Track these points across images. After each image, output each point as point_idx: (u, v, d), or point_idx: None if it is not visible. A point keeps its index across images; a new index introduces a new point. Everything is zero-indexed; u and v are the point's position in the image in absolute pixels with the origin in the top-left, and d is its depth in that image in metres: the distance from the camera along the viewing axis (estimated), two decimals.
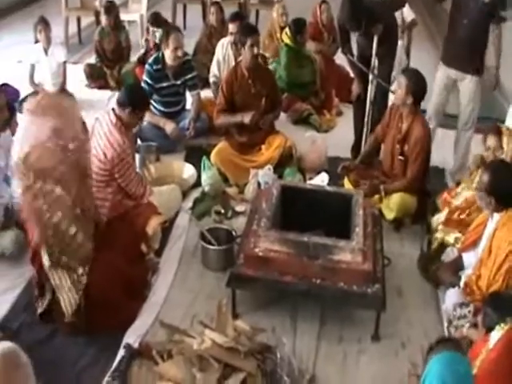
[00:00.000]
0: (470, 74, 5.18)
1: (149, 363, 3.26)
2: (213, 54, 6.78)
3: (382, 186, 4.70)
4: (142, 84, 5.81)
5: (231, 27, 6.57)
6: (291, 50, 6.81)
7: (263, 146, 5.54)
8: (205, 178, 5.21)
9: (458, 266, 4.02)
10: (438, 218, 4.47)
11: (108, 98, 7.09)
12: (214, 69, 6.66)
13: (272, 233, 3.86)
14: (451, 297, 3.77)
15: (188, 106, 6.21)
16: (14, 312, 3.88)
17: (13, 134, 4.79)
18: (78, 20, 9.38)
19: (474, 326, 3.30)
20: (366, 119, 5.38)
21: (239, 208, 5.04)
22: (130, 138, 4.41)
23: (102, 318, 3.63)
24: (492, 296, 3.22)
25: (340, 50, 5.79)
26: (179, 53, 5.74)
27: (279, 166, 5.41)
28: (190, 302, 4.02)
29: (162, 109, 5.98)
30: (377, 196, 4.70)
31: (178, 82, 5.94)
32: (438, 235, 4.36)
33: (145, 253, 4.12)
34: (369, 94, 5.32)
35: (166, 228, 4.60)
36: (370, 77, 5.25)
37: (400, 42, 7.49)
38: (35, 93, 6.71)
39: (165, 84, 5.88)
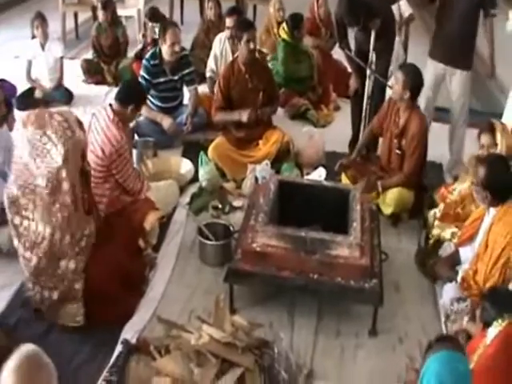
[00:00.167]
0: (459, 69, 5.19)
1: (146, 359, 3.26)
2: (210, 48, 6.78)
3: (380, 182, 4.71)
4: (140, 79, 5.79)
5: (228, 21, 6.55)
6: (288, 45, 6.80)
7: (260, 141, 5.54)
8: (202, 173, 5.21)
9: (454, 260, 4.02)
10: (434, 213, 4.47)
11: (105, 94, 7.08)
12: (210, 63, 6.66)
13: (269, 228, 3.86)
14: (448, 291, 3.77)
15: (185, 101, 6.20)
16: (11, 308, 3.87)
17: (10, 130, 4.80)
18: (75, 15, 9.34)
19: (472, 319, 3.30)
20: (363, 114, 5.39)
21: (236, 203, 5.04)
22: (127, 133, 4.41)
23: (99, 313, 3.64)
24: (490, 291, 3.22)
25: (338, 45, 5.78)
26: (176, 48, 5.72)
27: (276, 161, 5.41)
28: (188, 297, 4.03)
29: (160, 104, 5.97)
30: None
31: (176, 78, 5.93)
32: (435, 232, 4.36)
33: (142, 248, 4.12)
34: (366, 89, 5.32)
35: (164, 223, 4.60)
36: (368, 72, 5.25)
37: (397, 37, 7.50)
38: (32, 88, 6.73)
39: (162, 79, 5.87)
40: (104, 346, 3.55)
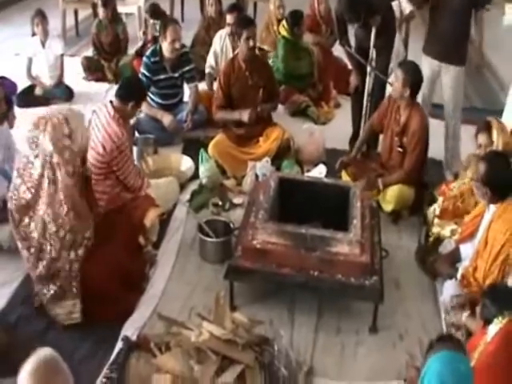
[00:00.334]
0: (453, 65, 5.18)
1: (147, 356, 3.25)
2: (210, 45, 6.78)
3: (380, 180, 4.71)
4: (140, 76, 5.79)
5: (229, 18, 6.55)
6: (288, 42, 6.79)
7: (261, 139, 5.54)
8: (202, 170, 5.21)
9: (455, 257, 4.01)
10: (434, 210, 4.46)
11: (106, 91, 7.07)
12: (210, 60, 6.66)
13: (270, 225, 3.86)
14: (449, 288, 3.77)
15: (186, 98, 6.19)
16: (12, 305, 3.88)
17: (10, 128, 4.80)
18: (76, 12, 9.32)
19: (472, 315, 3.29)
20: (364, 111, 5.38)
21: (237, 200, 5.04)
22: (127, 129, 4.41)
23: (99, 310, 3.64)
24: (490, 288, 3.21)
25: (338, 42, 5.77)
26: (177, 45, 5.72)
27: (277, 158, 5.41)
28: (188, 294, 4.03)
29: (160, 101, 5.97)
30: None
31: (176, 75, 5.93)
32: (434, 230, 4.36)
33: (143, 245, 4.12)
34: (367, 86, 5.31)
35: (164, 220, 4.61)
36: (368, 69, 5.24)
37: (398, 35, 7.49)
38: (33, 86, 6.73)
39: (162, 76, 5.86)
40: (104, 343, 3.55)
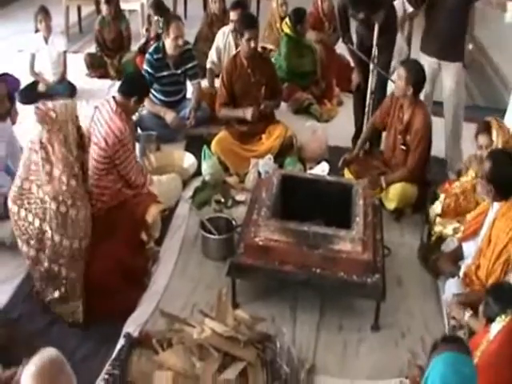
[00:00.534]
0: (452, 62, 5.17)
1: (148, 352, 3.26)
2: (213, 42, 6.76)
3: (383, 178, 4.71)
4: (143, 73, 5.78)
5: (232, 15, 6.54)
6: (291, 39, 6.78)
7: (264, 136, 5.54)
8: (205, 167, 5.21)
9: (457, 255, 4.01)
10: (435, 208, 4.45)
11: (108, 87, 7.07)
12: (212, 55, 6.65)
13: (272, 222, 3.85)
14: (451, 287, 3.76)
15: (188, 95, 6.19)
16: (14, 302, 3.89)
17: (13, 124, 4.81)
18: (79, 9, 9.33)
19: (475, 314, 3.29)
20: (366, 109, 5.37)
21: (239, 197, 5.04)
22: (130, 125, 4.41)
23: (102, 306, 3.65)
24: (493, 286, 3.21)
25: (341, 40, 5.76)
26: (180, 42, 5.72)
27: (280, 156, 5.41)
28: (190, 291, 4.03)
29: (163, 98, 5.96)
30: None
31: (179, 72, 5.92)
32: (436, 229, 4.34)
33: (145, 241, 4.12)
34: (369, 85, 5.30)
35: (167, 217, 4.61)
36: (371, 67, 5.23)
37: (401, 33, 7.48)
38: (36, 82, 6.73)
39: (165, 73, 5.86)
40: (106, 340, 3.56)
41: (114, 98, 4.33)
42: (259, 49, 5.74)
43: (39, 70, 6.85)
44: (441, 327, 3.75)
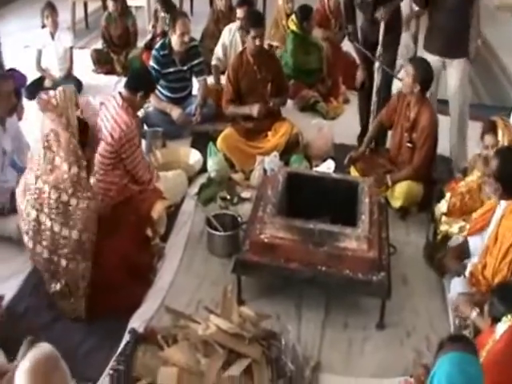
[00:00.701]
0: (456, 58, 5.14)
1: (153, 348, 3.26)
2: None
3: (389, 176, 4.70)
4: (149, 69, 5.79)
5: (239, 12, 6.55)
6: (298, 36, 6.77)
7: (269, 133, 5.53)
8: (211, 163, 5.21)
9: (463, 251, 3.99)
10: (441, 207, 4.44)
11: (115, 84, 7.06)
12: (218, 51, 6.65)
13: (278, 219, 3.85)
14: (456, 286, 3.74)
15: (194, 91, 6.19)
16: (20, 296, 3.90)
17: (19, 119, 4.82)
18: (85, 5, 9.33)
19: (481, 313, 3.28)
20: (372, 107, 5.36)
21: (245, 194, 5.04)
22: (136, 120, 4.41)
23: (106, 302, 3.65)
24: (499, 286, 3.20)
25: (346, 38, 5.74)
26: (186, 38, 5.72)
27: (285, 153, 5.41)
28: (196, 287, 4.04)
29: (169, 94, 5.97)
30: None
31: (185, 68, 5.93)
32: (442, 228, 4.32)
33: (150, 237, 4.12)
34: (375, 82, 5.29)
35: (172, 213, 4.62)
36: (376, 64, 5.22)
37: (408, 30, 7.47)
38: (42, 78, 6.74)
39: (171, 69, 5.86)
40: (112, 336, 3.56)
41: (120, 93, 4.34)
42: (265, 46, 5.73)
43: (46, 65, 6.86)
44: (446, 326, 3.75)
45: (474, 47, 5.12)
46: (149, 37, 7.48)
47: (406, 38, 7.06)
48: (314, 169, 5.24)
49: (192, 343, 3.18)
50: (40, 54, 6.80)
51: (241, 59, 5.47)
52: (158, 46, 5.92)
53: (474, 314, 3.33)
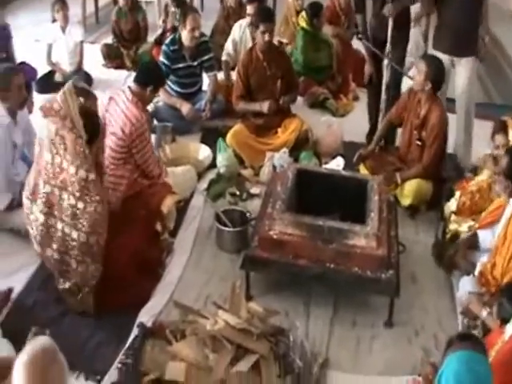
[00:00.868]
0: (465, 57, 5.13)
1: (162, 343, 3.26)
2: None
3: (398, 174, 4.69)
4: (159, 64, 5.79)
5: (249, 9, 6.56)
6: (308, 33, 6.77)
7: (279, 129, 5.53)
8: (220, 159, 5.21)
9: (473, 244, 3.97)
10: (451, 205, 4.43)
11: (125, 78, 7.07)
12: (228, 47, 6.65)
13: (287, 216, 3.85)
14: (465, 285, 3.73)
15: (204, 87, 6.19)
16: (29, 289, 3.90)
17: (30, 113, 4.83)
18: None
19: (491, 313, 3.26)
20: (381, 105, 5.35)
21: (254, 190, 5.03)
22: (146, 114, 4.41)
23: (116, 296, 3.65)
24: (508, 287, 3.18)
25: (355, 36, 5.73)
26: (196, 33, 5.72)
27: (295, 150, 5.40)
28: (204, 282, 4.04)
29: (179, 90, 5.97)
30: None
31: (195, 63, 5.93)
32: (451, 227, 4.31)
33: (160, 232, 4.12)
34: (384, 80, 5.27)
35: (181, 209, 4.62)
36: (385, 62, 5.21)
37: (418, 28, 7.44)
38: (52, 72, 6.75)
39: (181, 65, 5.86)
40: (120, 330, 3.56)
41: (129, 87, 4.34)
42: (275, 42, 5.71)
43: (56, 60, 6.87)
44: (454, 325, 3.73)
45: (482, 46, 5.11)
46: (159, 32, 7.49)
47: (416, 35, 7.04)
48: (324, 166, 5.23)
49: (200, 338, 3.18)
50: (50, 48, 6.81)
51: (251, 55, 5.47)
52: (168, 41, 5.92)
53: (484, 313, 3.32)
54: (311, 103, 6.63)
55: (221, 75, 6.53)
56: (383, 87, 5.30)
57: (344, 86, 6.92)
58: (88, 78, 6.90)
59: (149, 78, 4.38)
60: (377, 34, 5.31)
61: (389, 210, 4.19)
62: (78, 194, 3.49)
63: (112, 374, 3.23)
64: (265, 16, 5.39)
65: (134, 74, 4.70)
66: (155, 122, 5.73)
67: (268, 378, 3.10)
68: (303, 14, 6.86)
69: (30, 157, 4.50)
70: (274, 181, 4.40)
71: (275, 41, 6.14)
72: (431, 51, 5.42)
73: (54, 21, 6.94)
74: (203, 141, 5.70)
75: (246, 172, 5.27)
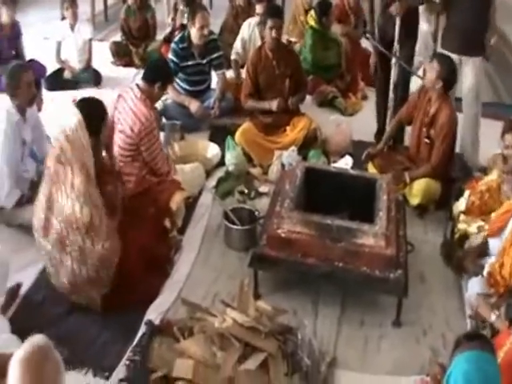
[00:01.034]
0: (473, 56, 5.14)
1: (169, 340, 3.27)
2: (238, 34, 6.75)
3: (407, 173, 4.68)
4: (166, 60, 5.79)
5: (258, 8, 6.56)
6: (316, 32, 6.76)
7: (288, 128, 5.53)
8: (229, 157, 5.21)
9: (483, 251, 3.96)
10: (460, 205, 4.41)
11: (133, 76, 7.08)
12: (237, 46, 6.66)
13: (295, 214, 3.84)
14: (474, 286, 3.72)
15: (213, 85, 6.19)
16: (37, 285, 3.91)
17: (39, 110, 4.84)
18: None
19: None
20: (389, 104, 5.33)
21: (263, 189, 5.03)
22: (155, 112, 4.42)
23: (124, 293, 3.66)
24: None
25: (363, 35, 5.73)
26: (205, 31, 5.72)
27: (303, 148, 5.39)
28: (212, 280, 4.04)
29: (187, 87, 5.97)
30: None
31: (204, 61, 5.93)
32: (460, 226, 4.29)
33: (168, 229, 4.12)
34: (392, 78, 5.26)
35: (190, 206, 4.62)
36: (393, 60, 5.20)
37: (428, 27, 7.42)
38: (61, 69, 6.77)
39: (190, 63, 5.87)
40: (128, 327, 3.55)
41: (137, 85, 4.35)
42: (284, 41, 5.71)
43: (65, 57, 6.89)
44: (463, 325, 3.72)
45: (490, 46, 5.10)
46: (168, 30, 7.50)
47: (425, 35, 7.02)
48: (332, 164, 5.23)
49: (208, 336, 3.18)
50: (59, 45, 6.83)
51: (259, 54, 5.47)
52: (177, 39, 5.93)
53: (493, 316, 3.30)
54: (320, 102, 6.62)
55: (230, 73, 6.54)
56: (391, 86, 5.28)
57: (353, 84, 6.92)
58: (97, 76, 6.92)
59: (156, 74, 4.38)
60: (385, 33, 5.31)
61: (397, 209, 4.17)
62: (83, 231, 3.48)
63: (120, 371, 3.24)
64: (273, 12, 5.42)
65: (142, 71, 4.71)
66: (164, 119, 5.74)
67: (276, 376, 3.10)
68: (312, 12, 6.86)
69: (38, 154, 4.51)
70: (283, 179, 4.39)
71: (284, 40, 6.13)
72: (440, 51, 5.40)
73: (63, 18, 6.98)
74: (212, 139, 5.70)
75: (255, 170, 5.27)
